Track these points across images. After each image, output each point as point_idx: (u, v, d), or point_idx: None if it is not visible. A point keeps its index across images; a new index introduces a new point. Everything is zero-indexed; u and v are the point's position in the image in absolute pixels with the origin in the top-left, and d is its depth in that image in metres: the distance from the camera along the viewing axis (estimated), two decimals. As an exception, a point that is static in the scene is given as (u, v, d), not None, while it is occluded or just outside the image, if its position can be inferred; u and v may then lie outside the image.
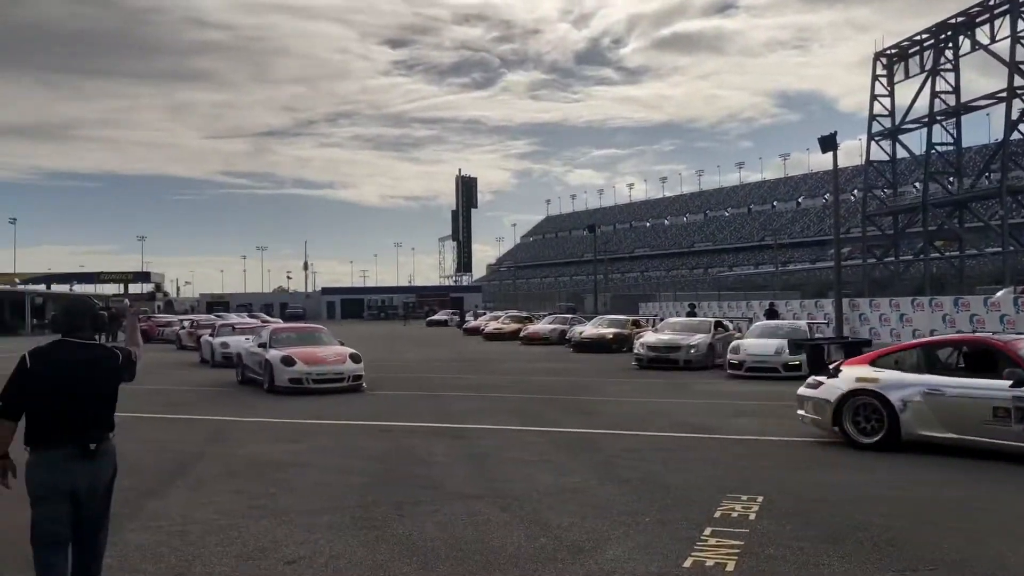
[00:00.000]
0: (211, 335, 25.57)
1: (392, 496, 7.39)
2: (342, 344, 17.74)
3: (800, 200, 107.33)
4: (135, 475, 8.45)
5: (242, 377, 18.07)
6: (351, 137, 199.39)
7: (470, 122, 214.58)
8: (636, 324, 28.80)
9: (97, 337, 4.70)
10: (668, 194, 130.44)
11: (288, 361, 16.06)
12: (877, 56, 53.04)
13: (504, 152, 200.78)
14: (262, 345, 17.44)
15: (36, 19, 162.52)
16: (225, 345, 23.34)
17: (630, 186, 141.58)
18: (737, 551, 5.59)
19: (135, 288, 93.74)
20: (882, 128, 53.26)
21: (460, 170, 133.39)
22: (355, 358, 16.61)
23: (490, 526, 6.37)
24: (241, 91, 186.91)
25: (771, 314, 28.45)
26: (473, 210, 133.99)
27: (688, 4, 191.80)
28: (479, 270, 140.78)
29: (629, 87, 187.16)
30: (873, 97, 53.38)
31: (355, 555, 5.68)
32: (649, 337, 22.32)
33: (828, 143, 27.32)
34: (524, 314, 42.77)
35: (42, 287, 66.12)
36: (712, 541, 5.84)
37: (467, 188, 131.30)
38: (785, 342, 18.07)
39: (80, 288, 79.90)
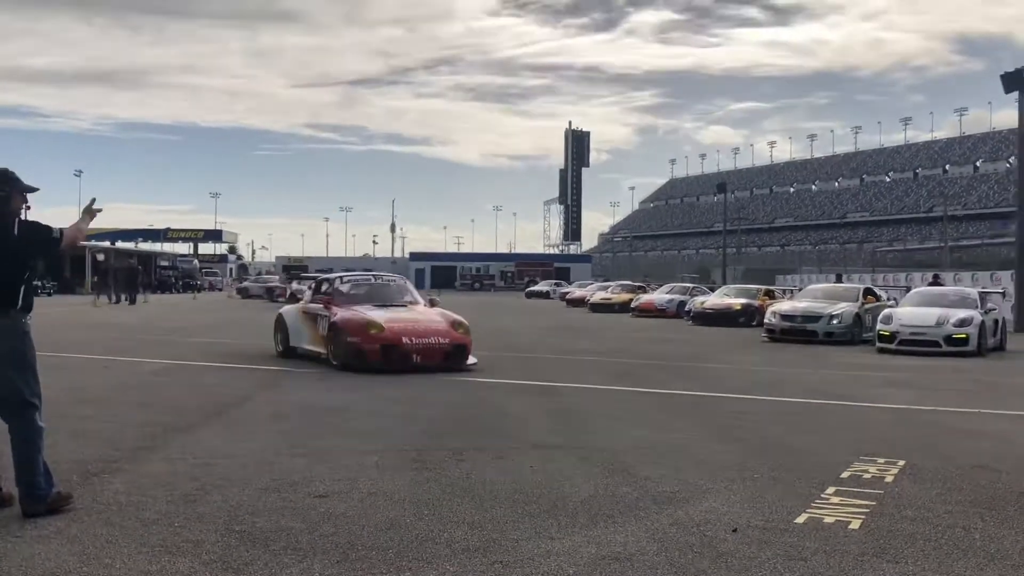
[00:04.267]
0: None
1: (454, 442, 7.26)
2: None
3: (978, 163, 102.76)
4: (165, 414, 8.58)
5: None
6: (451, 87, 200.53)
7: (587, 70, 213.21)
8: (769, 294, 28.02)
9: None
10: (818, 155, 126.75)
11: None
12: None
13: (625, 105, 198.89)
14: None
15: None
16: None
17: (771, 144, 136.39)
18: (866, 511, 5.18)
19: (206, 248, 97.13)
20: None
21: (571, 123, 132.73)
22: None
23: (563, 473, 6.14)
24: (332, 34, 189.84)
25: (935, 286, 27.27)
26: (585, 170, 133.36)
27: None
28: (590, 240, 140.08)
29: (778, 29, 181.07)
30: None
31: (398, 492, 5.52)
32: (783, 305, 21.65)
33: (1013, 80, 25.83)
34: (637, 284, 42.29)
35: (106, 244, 69.01)
36: (835, 500, 5.45)
37: (578, 143, 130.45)
38: (950, 311, 17.15)
39: (146, 246, 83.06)
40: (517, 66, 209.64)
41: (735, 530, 4.77)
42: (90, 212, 5.34)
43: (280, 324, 14.50)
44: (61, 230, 5.11)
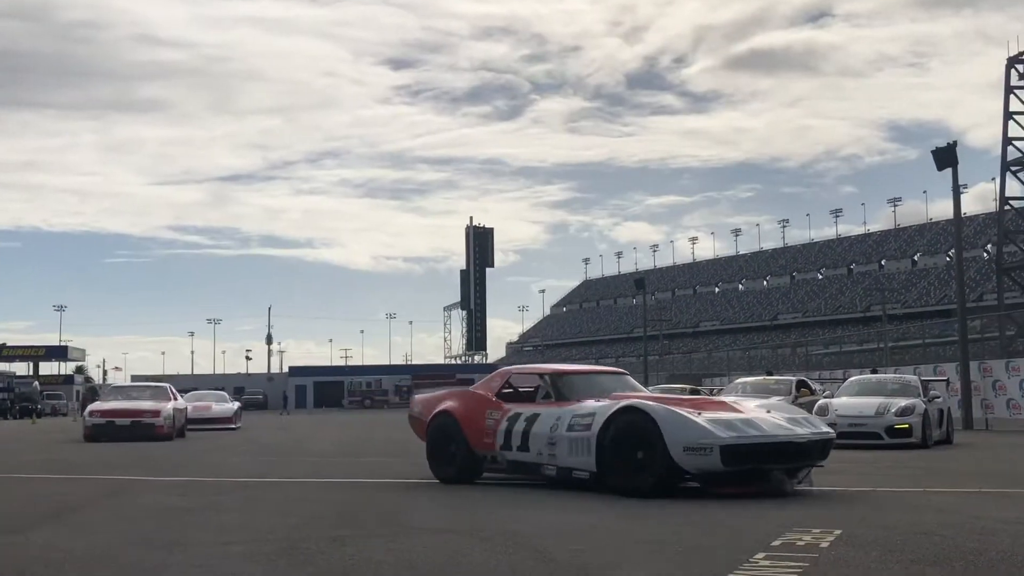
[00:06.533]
0: None
1: (336, 532, 7.09)
2: None
3: (916, 258, 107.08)
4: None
5: None
6: (337, 182, 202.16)
7: (490, 162, 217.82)
8: (695, 394, 28.37)
9: None
10: (743, 251, 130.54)
11: None
12: (1012, 62, 53.30)
13: (533, 200, 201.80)
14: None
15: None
16: None
17: (693, 240, 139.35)
18: (799, 572, 5.23)
19: (49, 367, 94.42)
20: (1021, 155, 53.24)
21: (472, 219, 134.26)
22: None
23: (460, 552, 6.08)
24: (199, 125, 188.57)
25: (874, 379, 28.12)
26: (490, 271, 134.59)
27: (769, 12, 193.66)
28: (496, 349, 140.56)
29: (696, 117, 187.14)
30: (1008, 115, 53.46)
31: (263, 575, 5.37)
32: (708, 402, 21.96)
33: (945, 156, 27.22)
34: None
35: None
36: (765, 563, 5.49)
37: (481, 241, 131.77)
38: (890, 400, 17.64)
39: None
40: (411, 158, 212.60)
41: (653, 591, 4.77)
42: None
43: None
44: None
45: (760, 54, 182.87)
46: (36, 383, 74.22)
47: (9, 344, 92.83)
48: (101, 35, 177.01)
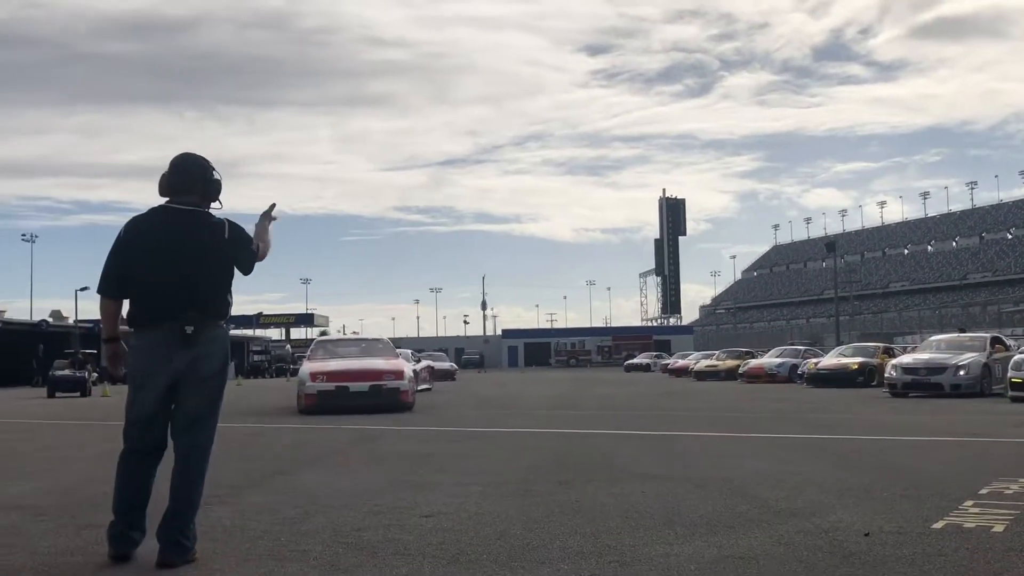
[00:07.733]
0: None
1: (560, 476, 7.24)
2: None
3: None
4: (262, 462, 8.78)
5: None
6: (540, 162, 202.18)
7: (681, 137, 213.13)
8: (888, 352, 27.27)
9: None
10: (932, 214, 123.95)
11: None
12: None
13: (723, 171, 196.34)
14: None
15: (207, 48, 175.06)
16: None
17: (881, 205, 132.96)
18: (1010, 518, 5.00)
19: (298, 332, 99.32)
20: None
21: (664, 190, 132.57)
22: None
23: (677, 496, 6.08)
24: (419, 115, 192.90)
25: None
26: (681, 239, 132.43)
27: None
28: (690, 313, 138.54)
29: (883, 85, 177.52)
30: None
31: (505, 512, 5.55)
32: (904, 358, 21.11)
33: None
34: (744, 350, 41.65)
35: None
36: (974, 510, 5.28)
37: (673, 211, 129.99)
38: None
39: (238, 332, 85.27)
40: (608, 137, 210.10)
41: (867, 534, 4.66)
42: (268, 217, 4.97)
43: None
44: (258, 244, 4.72)
45: (947, 21, 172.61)
46: (288, 346, 78.42)
47: (265, 313, 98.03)
48: (334, 39, 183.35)
